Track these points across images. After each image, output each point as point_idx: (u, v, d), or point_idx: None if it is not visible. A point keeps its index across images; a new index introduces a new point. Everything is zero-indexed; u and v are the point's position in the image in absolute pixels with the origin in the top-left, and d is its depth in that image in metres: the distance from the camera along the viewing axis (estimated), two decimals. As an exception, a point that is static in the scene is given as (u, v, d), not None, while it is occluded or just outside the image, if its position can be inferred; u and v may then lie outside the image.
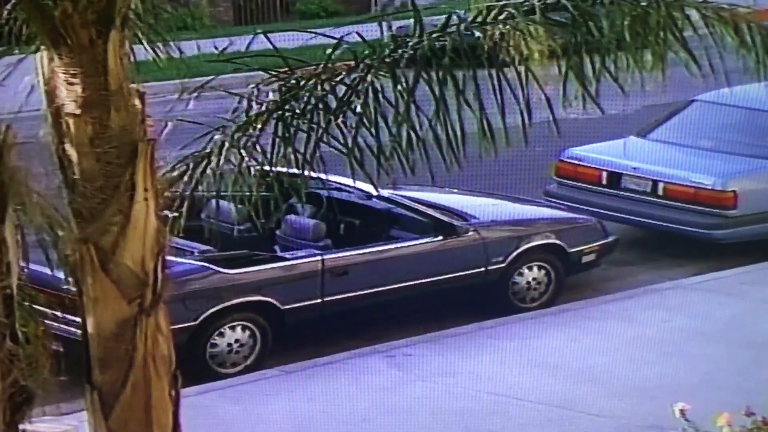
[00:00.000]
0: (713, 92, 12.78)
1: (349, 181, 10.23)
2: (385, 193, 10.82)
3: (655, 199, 12.57)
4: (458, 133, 5.41)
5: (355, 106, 5.44)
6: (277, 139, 5.46)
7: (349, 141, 5.44)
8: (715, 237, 12.38)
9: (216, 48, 5.67)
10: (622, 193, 12.76)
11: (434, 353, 10.14)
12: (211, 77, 5.49)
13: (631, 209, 12.64)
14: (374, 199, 11.07)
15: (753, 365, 9.50)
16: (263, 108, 5.53)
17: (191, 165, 5.53)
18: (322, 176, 5.93)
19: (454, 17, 5.53)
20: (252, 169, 5.51)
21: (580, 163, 13.05)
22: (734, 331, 10.39)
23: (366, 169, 5.50)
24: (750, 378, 9.10)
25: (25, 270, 5.08)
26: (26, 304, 5.30)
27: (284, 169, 5.65)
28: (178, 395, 5.40)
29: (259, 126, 5.51)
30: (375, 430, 8.90)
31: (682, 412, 7.77)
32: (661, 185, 12.58)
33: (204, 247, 10.43)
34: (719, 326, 10.52)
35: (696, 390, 8.88)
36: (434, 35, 5.45)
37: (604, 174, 12.89)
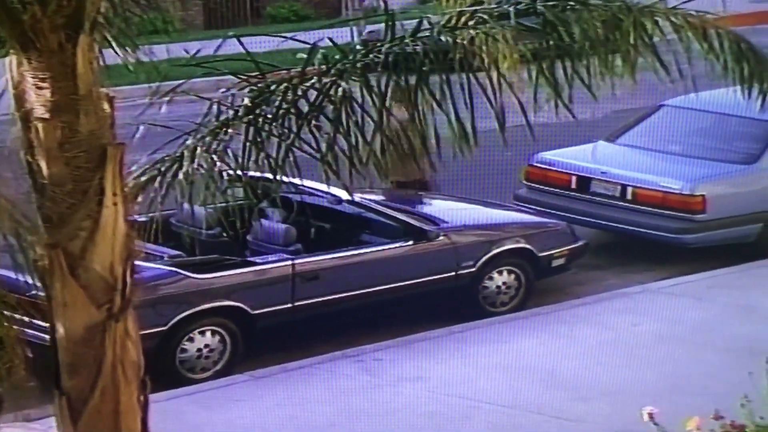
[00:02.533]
0: (681, 97, 12.84)
1: (320, 186, 10.29)
2: (356, 197, 10.82)
3: (624, 204, 12.62)
4: (431, 137, 5.41)
5: (327, 111, 5.44)
6: (249, 144, 5.44)
7: (322, 146, 5.44)
8: (684, 241, 12.44)
9: (187, 52, 5.65)
10: (591, 197, 12.80)
11: (404, 358, 10.14)
12: (182, 81, 5.47)
13: (601, 213, 12.68)
14: (345, 204, 11.07)
15: (722, 369, 9.54)
16: (234, 112, 5.51)
17: (162, 169, 5.51)
18: (294, 181, 5.92)
19: (426, 22, 5.54)
20: (223, 173, 5.50)
21: (550, 167, 13.09)
22: (703, 335, 10.44)
23: (339, 174, 5.49)
24: (719, 382, 9.14)
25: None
26: (-3, 309, 5.27)
27: (256, 174, 5.64)
28: (147, 401, 5.39)
29: (230, 130, 5.50)
30: (345, 434, 8.89)
31: (650, 416, 7.79)
32: (630, 189, 12.62)
33: (174, 252, 10.41)
34: (688, 330, 10.56)
35: (665, 394, 8.90)
36: (406, 40, 5.45)
37: (574, 178, 12.93)
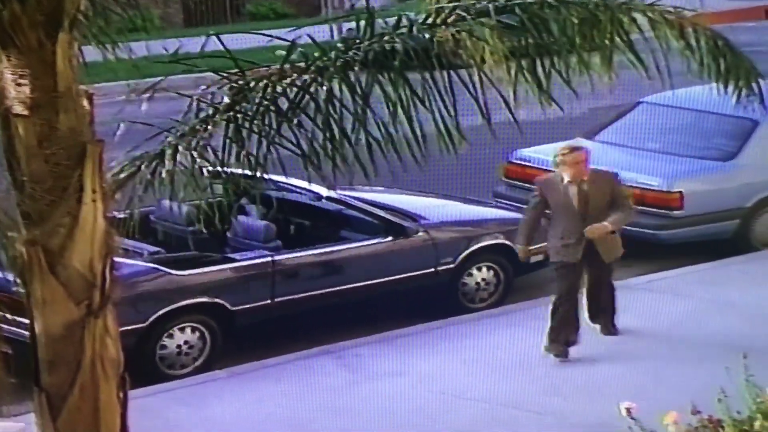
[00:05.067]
0: (659, 94, 12.90)
1: (299, 183, 10.31)
2: (336, 194, 10.84)
3: (602, 201, 12.65)
4: (413, 134, 5.43)
5: (308, 109, 5.45)
6: (229, 141, 5.45)
7: (303, 143, 5.46)
8: (662, 237, 12.50)
9: (166, 50, 5.66)
10: (569, 194, 12.81)
11: (383, 354, 10.16)
12: (161, 79, 5.47)
13: (579, 210, 12.70)
14: (324, 201, 11.08)
15: (699, 364, 9.59)
16: (214, 110, 5.52)
17: (142, 166, 5.52)
18: (273, 177, 5.94)
19: (404, 20, 5.55)
20: (203, 170, 5.50)
21: (528, 164, 13.12)
22: (680, 331, 10.49)
23: (319, 171, 5.51)
24: (696, 377, 9.19)
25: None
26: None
27: (236, 171, 5.65)
28: (126, 397, 5.39)
29: (210, 127, 5.51)
30: (323, 430, 8.90)
31: (628, 410, 7.83)
32: (608, 186, 12.65)
33: (153, 249, 10.41)
34: (665, 326, 10.62)
35: (642, 389, 8.95)
36: (385, 38, 5.47)
37: (552, 175, 12.95)
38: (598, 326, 10.29)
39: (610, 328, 10.32)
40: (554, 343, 9.85)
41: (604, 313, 10.29)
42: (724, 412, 8.13)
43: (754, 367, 8.23)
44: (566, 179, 9.85)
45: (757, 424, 8.01)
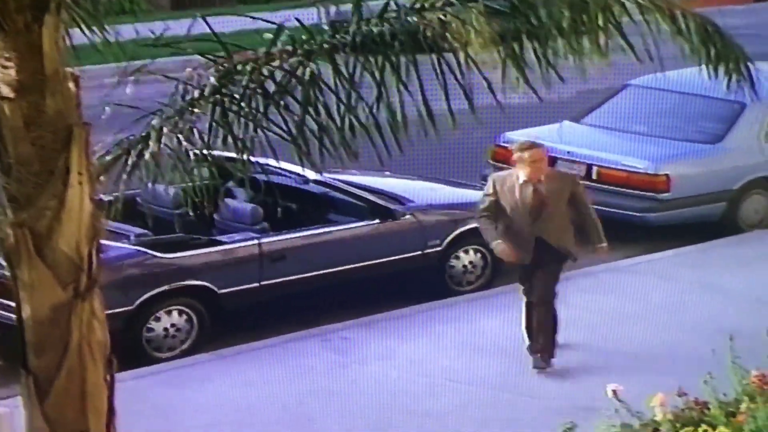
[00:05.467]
0: (646, 77, 12.91)
1: (286, 166, 10.28)
2: (323, 177, 10.83)
3: (589, 183, 12.66)
4: (399, 118, 5.43)
5: (294, 92, 5.44)
6: (215, 124, 5.44)
7: (291, 126, 5.45)
8: (648, 220, 12.52)
9: (153, 32, 5.63)
10: (557, 176, 12.83)
11: (371, 336, 10.18)
12: (149, 61, 5.46)
13: (566, 193, 12.72)
14: (311, 184, 11.07)
15: (686, 347, 9.62)
16: (201, 92, 5.51)
17: (128, 149, 5.51)
18: (260, 160, 5.93)
19: (393, 3, 5.54)
20: (190, 153, 5.49)
21: (516, 147, 13.11)
22: (667, 313, 10.51)
23: (307, 154, 5.50)
24: (683, 360, 9.22)
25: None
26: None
27: (223, 154, 5.64)
28: (113, 379, 5.39)
29: (196, 110, 5.49)
30: (311, 413, 8.92)
31: (614, 393, 7.87)
32: (595, 169, 12.69)
33: (140, 231, 10.39)
34: (652, 308, 10.64)
35: (629, 371, 8.98)
36: (372, 21, 5.46)
37: (540, 158, 12.96)
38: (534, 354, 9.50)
39: (544, 356, 9.42)
40: (534, 352, 9.46)
41: (543, 334, 9.47)
42: (710, 394, 8.17)
43: (740, 349, 8.27)
44: (522, 178, 9.36)
45: (743, 405, 8.05)
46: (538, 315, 9.47)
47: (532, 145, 9.56)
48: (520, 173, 9.38)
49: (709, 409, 8.11)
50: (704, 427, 7.90)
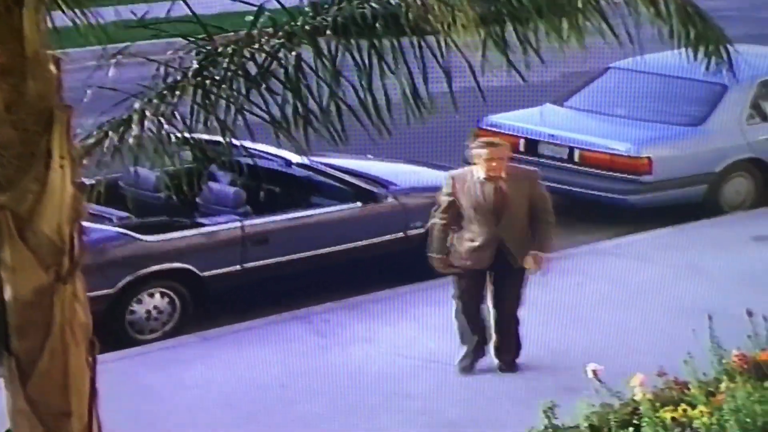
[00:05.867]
0: (628, 59, 12.94)
1: (269, 149, 10.30)
2: (305, 160, 10.84)
3: (571, 166, 12.73)
4: (382, 101, 5.44)
5: (278, 74, 5.45)
6: (197, 107, 5.45)
7: (273, 109, 5.46)
8: (630, 202, 12.58)
9: (135, 14, 5.63)
10: (539, 159, 12.88)
11: (353, 319, 10.21)
12: (130, 44, 5.46)
13: (548, 176, 12.68)
14: (294, 167, 11.09)
15: (666, 327, 9.67)
16: (182, 75, 5.51)
17: (109, 132, 5.51)
18: (243, 143, 5.93)
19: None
20: (171, 136, 5.50)
21: (498, 130, 13.15)
22: (648, 294, 10.56)
23: (288, 137, 5.51)
24: (663, 340, 9.26)
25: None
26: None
27: (205, 137, 5.65)
28: (95, 361, 5.41)
29: (177, 93, 5.50)
30: (293, 395, 8.95)
31: (594, 373, 7.92)
32: (577, 152, 12.73)
33: (122, 214, 10.39)
34: (633, 289, 10.69)
35: (609, 352, 9.02)
36: (354, 3, 5.47)
37: (522, 141, 13.02)
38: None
39: (506, 359, 9.17)
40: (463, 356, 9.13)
41: (505, 337, 9.15)
42: (690, 374, 8.23)
43: (720, 329, 8.32)
44: (482, 176, 8.88)
45: (722, 385, 8.11)
46: (501, 327, 9.09)
47: (491, 143, 9.13)
48: (479, 171, 8.93)
49: (688, 389, 8.17)
50: (684, 406, 7.95)
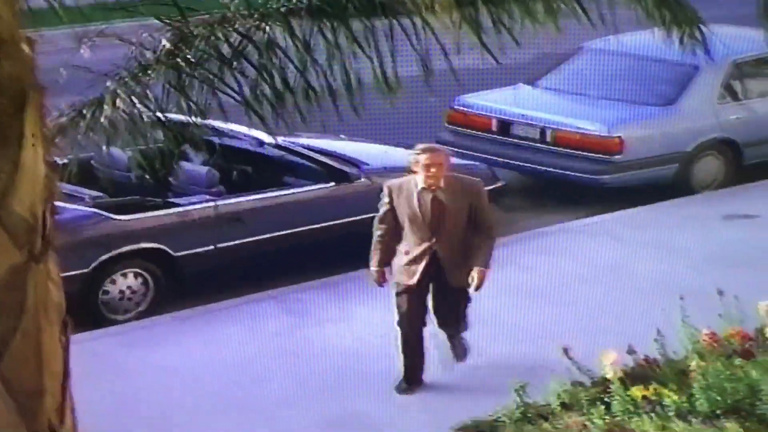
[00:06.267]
0: (600, 40, 12.99)
1: (242, 129, 10.30)
2: (278, 140, 10.85)
3: (543, 146, 12.78)
4: (355, 82, 5.46)
5: (249, 55, 5.47)
6: (170, 88, 5.46)
7: (246, 90, 5.48)
8: (602, 182, 12.64)
9: (109, -5, 5.64)
10: (511, 140, 12.94)
11: (327, 298, 10.24)
12: (104, 25, 5.46)
13: (521, 156, 12.84)
14: (267, 147, 11.10)
15: (637, 306, 9.73)
16: (156, 56, 5.52)
17: (83, 112, 5.52)
18: (216, 124, 5.96)
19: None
20: (145, 116, 5.51)
21: (471, 111, 13.20)
22: (619, 273, 10.63)
23: (261, 117, 5.53)
24: (634, 318, 9.32)
25: None
26: None
27: (178, 117, 5.66)
28: (68, 341, 5.42)
29: (151, 74, 5.51)
30: (267, 374, 8.98)
31: (566, 352, 7.99)
32: (549, 132, 12.78)
33: (95, 194, 10.39)
34: (604, 268, 10.76)
35: (581, 331, 9.08)
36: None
37: (495, 121, 13.06)
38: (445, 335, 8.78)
39: (456, 346, 8.74)
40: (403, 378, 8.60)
41: (451, 322, 8.67)
42: (660, 352, 8.31)
43: (690, 308, 8.40)
44: (420, 185, 8.32)
45: (693, 363, 8.19)
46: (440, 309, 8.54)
47: (429, 149, 8.49)
48: (417, 179, 8.35)
49: (659, 367, 8.26)
50: (654, 384, 8.04)
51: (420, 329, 8.55)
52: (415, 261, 8.35)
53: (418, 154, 8.37)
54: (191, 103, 5.48)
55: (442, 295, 8.50)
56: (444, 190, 8.28)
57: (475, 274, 8.29)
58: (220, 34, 5.48)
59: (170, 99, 5.53)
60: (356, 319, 9.90)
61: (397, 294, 8.50)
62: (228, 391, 8.73)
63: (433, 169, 8.24)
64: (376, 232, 8.55)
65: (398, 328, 8.58)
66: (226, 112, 5.65)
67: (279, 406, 8.51)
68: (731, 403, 7.93)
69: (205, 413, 8.44)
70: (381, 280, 8.55)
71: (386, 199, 8.49)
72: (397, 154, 11.92)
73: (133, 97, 5.51)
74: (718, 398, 7.93)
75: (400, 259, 8.45)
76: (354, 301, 10.21)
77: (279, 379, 8.89)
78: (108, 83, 5.56)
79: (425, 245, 8.31)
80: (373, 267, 8.52)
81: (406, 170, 11.49)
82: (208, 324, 9.78)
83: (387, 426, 7.96)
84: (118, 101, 5.51)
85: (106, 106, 5.50)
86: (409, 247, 8.39)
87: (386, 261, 8.49)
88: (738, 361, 8.20)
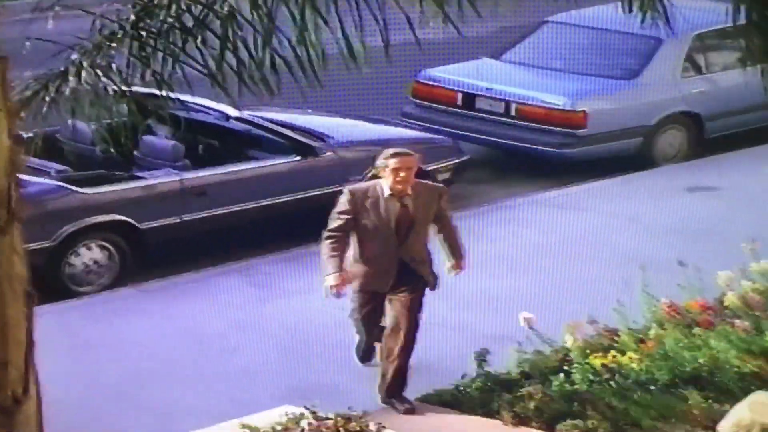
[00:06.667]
0: (564, 13, 13.05)
1: (207, 102, 10.32)
2: (244, 114, 10.87)
3: (508, 120, 12.84)
4: (319, 54, 5.49)
5: (215, 27, 5.49)
6: (134, 59, 5.48)
7: (210, 62, 5.50)
8: (566, 156, 12.72)
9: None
10: (476, 113, 12.99)
11: (291, 271, 10.28)
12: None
13: (485, 129, 12.89)
14: (232, 120, 11.12)
15: (600, 277, 9.82)
16: (119, 27, 5.54)
17: (47, 84, 5.53)
18: (180, 97, 5.97)
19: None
20: (109, 89, 5.53)
21: (436, 84, 13.23)
22: (583, 244, 10.70)
23: (225, 90, 5.56)
24: (597, 289, 9.41)
25: None
26: None
27: (142, 90, 5.68)
28: (33, 313, 5.45)
29: (114, 45, 5.52)
30: (232, 346, 9.03)
31: (527, 321, 8.07)
32: (513, 106, 12.83)
33: (61, 167, 10.39)
34: (568, 239, 10.82)
35: (543, 301, 9.17)
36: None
37: (459, 95, 13.10)
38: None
39: (397, 395, 8.06)
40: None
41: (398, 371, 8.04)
42: (620, 321, 8.42)
43: (651, 278, 8.50)
44: (387, 192, 7.89)
45: (652, 332, 8.30)
46: (392, 350, 8.04)
47: (399, 153, 8.02)
48: (384, 185, 7.92)
49: (619, 336, 8.36)
50: (614, 353, 8.14)
51: (372, 326, 8.34)
52: (386, 271, 7.94)
53: (387, 158, 7.96)
54: (155, 75, 5.49)
55: (403, 299, 8.05)
56: (410, 197, 7.94)
57: (453, 266, 8.25)
58: (183, 5, 5.50)
59: (134, 71, 5.55)
60: (320, 291, 9.92)
61: (360, 297, 8.19)
62: (192, 363, 8.78)
63: (402, 174, 7.86)
64: (330, 239, 7.95)
65: (352, 320, 8.38)
66: (192, 85, 5.67)
67: (243, 377, 8.57)
68: (690, 371, 8.04)
69: (169, 385, 8.49)
70: (341, 289, 8.01)
71: (348, 206, 7.95)
72: (362, 128, 11.98)
73: (97, 70, 5.52)
74: (678, 367, 8.04)
75: (363, 269, 8.00)
76: (318, 273, 10.24)
77: (243, 350, 8.94)
78: (72, 55, 5.57)
79: (394, 254, 7.93)
80: (332, 273, 7.92)
81: (371, 144, 11.62)
82: (173, 296, 9.82)
83: (350, 396, 8.02)
84: (82, 74, 5.51)
85: (71, 78, 5.51)
86: (374, 256, 7.96)
87: (340, 266, 7.96)
88: (697, 330, 8.32)
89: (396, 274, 7.96)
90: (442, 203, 8.15)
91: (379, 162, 8.02)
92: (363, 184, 8.26)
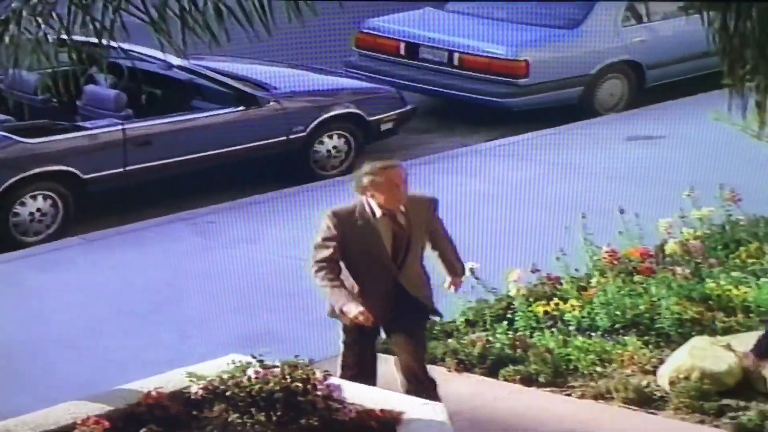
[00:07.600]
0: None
1: (149, 51, 10.28)
2: (187, 63, 10.85)
3: (450, 69, 12.89)
4: (264, 2, 5.49)
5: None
6: (74, 7, 5.46)
7: (151, 10, 5.48)
8: (508, 105, 12.80)
9: None
10: (419, 63, 13.03)
11: (237, 220, 10.32)
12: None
13: (429, 79, 12.94)
14: (175, 70, 11.09)
15: (542, 225, 9.92)
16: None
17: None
18: (122, 45, 5.96)
19: None
20: (50, 37, 5.51)
21: (379, 34, 13.25)
22: (525, 193, 10.81)
23: (168, 38, 5.55)
24: (539, 238, 9.52)
25: None
26: None
27: (84, 38, 5.66)
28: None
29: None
30: (180, 294, 9.07)
31: (471, 270, 8.16)
32: (456, 55, 12.88)
33: (3, 117, 10.34)
34: (511, 189, 10.93)
35: (487, 250, 9.25)
36: None
37: (402, 45, 13.13)
38: None
39: None
40: None
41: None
42: (562, 270, 8.53)
43: (593, 226, 8.61)
44: (377, 211, 6.74)
45: (593, 280, 8.42)
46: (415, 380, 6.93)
47: (389, 166, 6.82)
48: (373, 204, 6.75)
49: (561, 284, 8.47)
50: (556, 300, 8.26)
51: (368, 365, 7.09)
52: (380, 300, 6.82)
53: (376, 173, 6.70)
54: (96, 23, 5.48)
55: (405, 334, 7.01)
56: (403, 213, 6.81)
57: (450, 284, 7.22)
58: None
59: (75, 20, 5.52)
60: (266, 240, 10.00)
61: (349, 331, 6.96)
62: (139, 312, 8.81)
63: (396, 190, 6.71)
64: (323, 270, 6.77)
65: (343, 346, 7.10)
66: (136, 34, 5.66)
67: (190, 325, 8.61)
68: (630, 317, 8.17)
69: (116, 333, 8.51)
70: (370, 319, 6.71)
71: (334, 231, 6.74)
72: (306, 78, 11.98)
73: (37, 17, 5.49)
74: (618, 313, 8.16)
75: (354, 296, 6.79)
76: (263, 222, 10.31)
77: (190, 299, 8.98)
78: (12, 3, 5.54)
79: (391, 281, 6.85)
80: (349, 302, 6.70)
81: (315, 94, 11.63)
82: (119, 245, 9.83)
83: (297, 344, 8.09)
84: (21, 22, 5.49)
85: (11, 26, 5.48)
86: (367, 285, 6.83)
87: (353, 296, 6.77)
88: (638, 277, 8.44)
89: (395, 303, 6.87)
90: (435, 217, 7.03)
91: (365, 178, 6.74)
92: (346, 205, 6.88)
